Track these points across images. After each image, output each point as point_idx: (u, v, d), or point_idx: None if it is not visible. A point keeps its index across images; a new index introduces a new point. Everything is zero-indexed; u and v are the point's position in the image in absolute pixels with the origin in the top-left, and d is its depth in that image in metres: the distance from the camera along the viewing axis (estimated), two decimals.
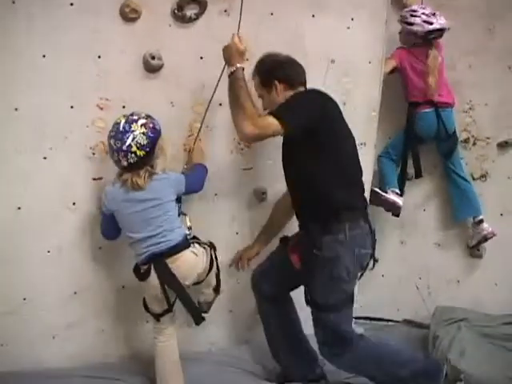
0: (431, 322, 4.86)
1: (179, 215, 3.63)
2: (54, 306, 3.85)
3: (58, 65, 3.55)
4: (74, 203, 3.75)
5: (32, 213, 3.69)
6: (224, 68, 3.52)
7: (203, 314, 3.70)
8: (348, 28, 4.19)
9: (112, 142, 3.33)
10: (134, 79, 3.73)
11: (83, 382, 3.74)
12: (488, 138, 5.16)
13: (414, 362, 3.69)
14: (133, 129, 3.31)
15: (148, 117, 3.40)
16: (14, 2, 3.40)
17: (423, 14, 4.53)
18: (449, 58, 4.75)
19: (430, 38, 4.60)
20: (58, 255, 3.79)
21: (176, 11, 3.70)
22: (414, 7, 4.58)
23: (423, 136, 4.79)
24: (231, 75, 3.38)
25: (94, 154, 3.72)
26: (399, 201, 4.85)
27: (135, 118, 3.36)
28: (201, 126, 3.78)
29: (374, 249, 3.67)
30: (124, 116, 3.37)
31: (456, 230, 5.21)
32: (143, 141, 3.33)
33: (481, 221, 5.02)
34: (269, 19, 3.96)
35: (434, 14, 4.53)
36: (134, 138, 3.31)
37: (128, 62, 3.70)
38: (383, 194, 4.79)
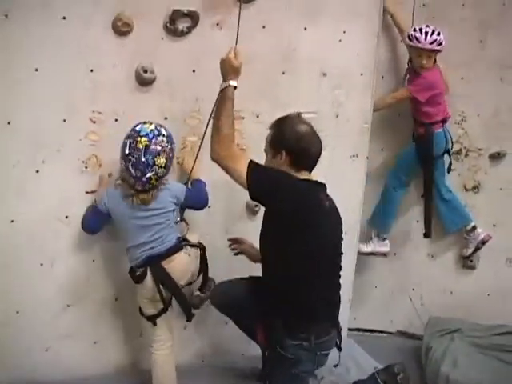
0: (424, 333, 4.89)
1: (180, 221, 3.72)
2: (47, 318, 3.84)
3: (50, 78, 3.55)
4: (66, 216, 3.75)
5: (25, 226, 3.68)
6: (221, 87, 3.43)
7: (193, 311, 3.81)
8: (340, 41, 4.21)
9: (131, 167, 3.35)
10: (127, 92, 3.73)
11: None
12: (480, 150, 5.18)
13: None
14: (156, 163, 3.35)
15: (167, 138, 3.42)
16: (6, 16, 3.39)
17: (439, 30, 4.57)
18: (442, 67, 4.76)
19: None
20: (51, 268, 3.79)
21: (168, 25, 3.70)
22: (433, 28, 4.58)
23: (437, 154, 4.81)
24: (222, 91, 3.36)
25: (86, 167, 3.72)
26: (386, 249, 5.02)
27: (158, 148, 3.35)
28: (200, 145, 3.72)
29: (340, 343, 3.62)
30: (145, 139, 3.34)
31: (448, 240, 5.23)
32: (162, 173, 3.41)
33: (474, 227, 5.04)
34: (261, 32, 3.97)
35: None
36: (155, 173, 3.37)
37: (120, 76, 3.70)
38: (368, 251, 4.94)
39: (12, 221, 3.65)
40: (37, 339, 3.86)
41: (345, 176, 4.36)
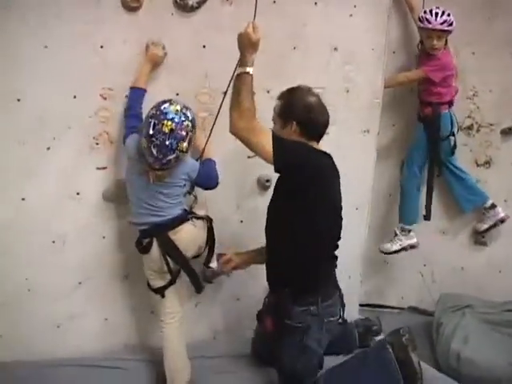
0: (435, 309, 4.89)
1: (189, 194, 3.71)
2: (58, 296, 3.86)
3: (60, 55, 3.54)
4: (78, 193, 3.76)
5: (36, 203, 3.69)
6: (239, 60, 3.35)
7: (207, 284, 3.92)
8: (350, 15, 4.17)
9: (153, 148, 3.30)
10: (137, 69, 3.69)
11: (88, 372, 3.76)
12: (492, 125, 5.16)
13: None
14: (179, 148, 3.33)
15: (192, 122, 3.40)
16: None
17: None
18: (452, 45, 4.73)
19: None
20: (62, 245, 3.80)
21: (178, 0, 3.68)
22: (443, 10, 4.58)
23: (443, 135, 4.80)
24: (239, 75, 3.30)
25: (97, 143, 3.72)
26: (414, 240, 4.99)
27: (183, 133, 3.33)
28: (213, 126, 3.70)
29: (343, 312, 3.68)
30: (171, 123, 3.29)
31: (460, 217, 5.22)
32: (183, 156, 3.40)
33: (493, 205, 5.03)
34: (271, 8, 3.93)
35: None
36: (176, 156, 3.35)
37: (131, 52, 3.68)
38: (397, 248, 4.94)
39: (23, 198, 3.66)
40: (48, 317, 3.88)
41: (356, 151, 4.34)
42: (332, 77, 4.19)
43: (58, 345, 3.92)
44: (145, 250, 3.58)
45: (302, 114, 3.43)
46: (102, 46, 3.62)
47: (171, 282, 3.63)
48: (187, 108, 3.41)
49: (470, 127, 5.11)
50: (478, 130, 5.14)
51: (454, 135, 4.82)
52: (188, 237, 3.61)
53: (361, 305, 4.72)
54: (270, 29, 3.83)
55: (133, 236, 3.68)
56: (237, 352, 4.09)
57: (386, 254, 5.02)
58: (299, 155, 3.36)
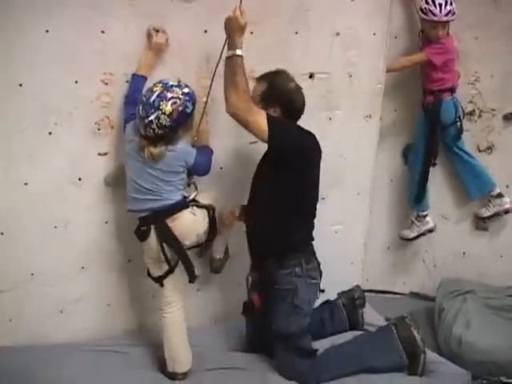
0: (437, 294, 4.90)
1: (188, 186, 3.73)
2: (60, 280, 3.86)
3: (61, 40, 3.53)
4: (79, 178, 3.75)
5: (38, 188, 3.69)
6: (226, 41, 3.47)
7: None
8: (352, 0, 4.16)
9: (140, 107, 3.36)
10: (139, 53, 3.68)
11: (90, 356, 3.75)
12: (493, 110, 5.15)
13: (378, 359, 3.76)
14: (161, 107, 3.31)
15: (184, 94, 3.39)
16: None
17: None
18: (454, 30, 4.71)
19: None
20: (64, 230, 3.80)
21: None
22: None
23: (445, 123, 4.80)
24: (230, 58, 3.42)
25: (99, 129, 3.71)
26: (431, 225, 5.04)
27: (169, 95, 3.34)
28: (204, 107, 3.75)
29: (320, 279, 3.81)
30: (161, 85, 3.37)
31: (462, 202, 5.23)
32: (165, 122, 3.34)
33: (500, 194, 5.04)
34: None
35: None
36: (157, 117, 3.31)
37: (132, 36, 3.67)
38: (414, 235, 5.00)
39: (25, 183, 3.65)
40: (50, 301, 3.88)
41: (358, 136, 4.34)
42: (334, 62, 4.18)
43: (61, 329, 3.92)
44: (142, 237, 3.58)
45: (286, 98, 3.61)
46: (103, 31, 3.60)
47: (169, 271, 3.63)
48: (187, 86, 3.46)
49: (471, 113, 5.10)
50: (479, 116, 5.14)
51: (459, 121, 4.82)
52: (186, 224, 3.59)
53: (363, 291, 4.71)
54: (271, 13, 3.83)
55: (136, 221, 3.68)
56: (238, 337, 4.09)
57: (405, 240, 5.11)
58: (293, 135, 3.57)
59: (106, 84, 3.67)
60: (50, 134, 3.62)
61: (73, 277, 3.89)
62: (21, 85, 3.52)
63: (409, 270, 5.31)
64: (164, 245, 3.53)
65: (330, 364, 3.69)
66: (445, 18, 4.50)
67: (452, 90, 4.76)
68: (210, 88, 3.68)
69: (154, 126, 3.33)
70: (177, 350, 3.70)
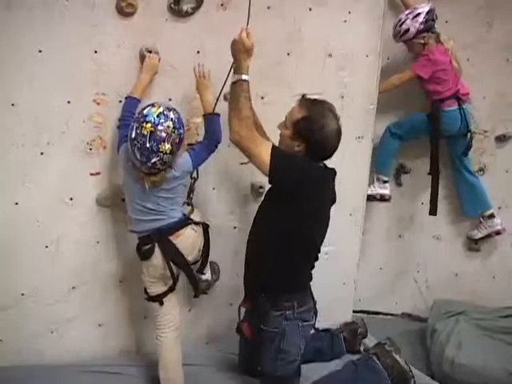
0: (429, 315, 4.91)
1: (187, 204, 3.74)
2: (52, 300, 3.85)
3: (54, 60, 3.53)
4: (71, 198, 3.74)
5: (30, 208, 3.67)
6: (232, 65, 3.40)
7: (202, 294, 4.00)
8: (345, 21, 4.17)
9: (136, 151, 3.28)
10: (131, 74, 3.69)
11: (82, 376, 3.73)
12: (486, 132, 5.19)
13: None
14: (161, 149, 3.27)
15: (174, 123, 3.33)
16: None
17: (407, 16, 4.59)
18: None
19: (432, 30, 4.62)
20: (56, 250, 3.78)
21: (172, 5, 3.67)
22: (399, 18, 4.64)
23: (447, 134, 4.81)
24: (235, 83, 3.33)
25: (90, 149, 3.71)
26: (385, 191, 4.93)
27: (163, 135, 3.26)
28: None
29: (315, 319, 3.70)
30: (150, 125, 3.25)
31: (454, 223, 5.25)
32: (168, 159, 3.33)
33: (492, 215, 5.05)
34: (266, 12, 3.93)
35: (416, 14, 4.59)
36: (160, 159, 3.29)
37: (124, 57, 3.68)
38: (368, 193, 4.81)
39: (17, 203, 3.64)
40: (42, 321, 3.86)
41: (350, 158, 4.32)
42: (326, 82, 4.19)
43: (52, 350, 3.90)
44: (146, 256, 3.56)
45: (317, 140, 3.37)
46: (96, 51, 3.61)
47: (172, 288, 3.62)
48: (170, 109, 3.38)
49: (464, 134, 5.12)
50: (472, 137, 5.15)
51: (468, 134, 4.83)
52: (190, 241, 3.60)
53: (354, 311, 4.71)
54: (264, 34, 3.83)
55: (127, 240, 3.71)
56: (230, 357, 4.07)
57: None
58: (296, 167, 3.35)
59: (98, 104, 3.67)
60: (42, 153, 3.62)
61: (64, 297, 3.87)
62: (13, 104, 3.52)
63: (401, 291, 5.31)
64: (169, 261, 3.53)
65: None
66: (399, 39, 4.64)
67: (458, 99, 4.74)
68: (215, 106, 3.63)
69: (158, 165, 3.32)
70: (173, 371, 3.69)
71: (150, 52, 3.67)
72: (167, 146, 3.28)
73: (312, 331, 3.75)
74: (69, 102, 3.62)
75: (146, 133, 3.26)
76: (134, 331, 4.14)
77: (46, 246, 3.77)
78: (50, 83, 3.56)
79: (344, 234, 4.47)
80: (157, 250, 3.52)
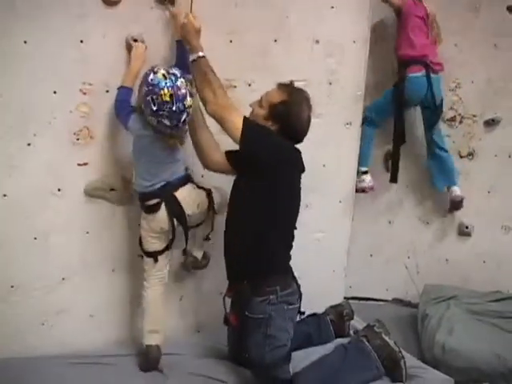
0: (420, 300, 4.92)
1: None
2: (42, 292, 3.82)
3: (39, 50, 3.51)
4: (59, 189, 3.72)
5: (18, 200, 3.65)
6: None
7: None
8: (332, 7, 4.16)
9: (164, 120, 3.36)
10: (118, 63, 3.68)
11: (74, 368, 3.70)
12: (475, 116, 5.20)
13: (357, 377, 3.73)
14: (186, 106, 3.36)
15: (183, 77, 3.41)
16: None
17: None
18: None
19: None
20: (44, 242, 3.76)
21: None
22: None
23: (411, 100, 4.80)
24: (195, 61, 3.48)
25: (78, 139, 3.69)
26: (363, 184, 4.93)
27: (183, 91, 3.35)
28: None
29: (300, 303, 3.71)
30: (169, 90, 3.32)
31: (444, 208, 5.23)
32: (191, 110, 3.45)
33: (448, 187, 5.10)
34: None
35: None
36: (188, 114, 3.40)
37: (110, 46, 3.66)
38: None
39: (4, 195, 3.62)
40: (32, 313, 3.84)
41: (339, 144, 4.33)
42: (314, 69, 4.18)
43: (43, 342, 3.87)
44: (153, 209, 3.61)
45: (292, 124, 3.53)
46: (81, 41, 3.59)
47: (168, 247, 3.71)
48: (170, 67, 3.47)
49: (452, 119, 5.15)
50: (460, 122, 5.19)
51: (429, 105, 4.82)
52: (189, 195, 3.66)
53: (345, 298, 4.72)
54: (250, 21, 3.83)
55: (117, 230, 3.69)
56: (221, 345, 4.05)
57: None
58: (268, 143, 3.47)
59: (85, 94, 3.65)
60: (29, 144, 3.60)
61: (54, 288, 3.85)
62: None
63: (392, 277, 5.32)
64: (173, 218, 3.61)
65: None
66: None
67: (427, 67, 4.71)
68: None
69: (187, 121, 3.44)
70: (158, 323, 3.76)
71: (136, 41, 3.65)
72: (189, 100, 3.38)
73: (298, 317, 3.77)
74: (55, 93, 3.59)
75: (167, 99, 3.32)
76: (126, 321, 4.12)
77: (35, 238, 3.74)
78: (35, 74, 3.53)
79: (333, 221, 4.48)
80: (163, 206, 3.59)
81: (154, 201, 3.59)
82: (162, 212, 3.59)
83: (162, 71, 3.38)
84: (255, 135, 3.43)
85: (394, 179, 4.97)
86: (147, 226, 3.67)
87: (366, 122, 4.79)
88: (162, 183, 3.57)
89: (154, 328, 3.75)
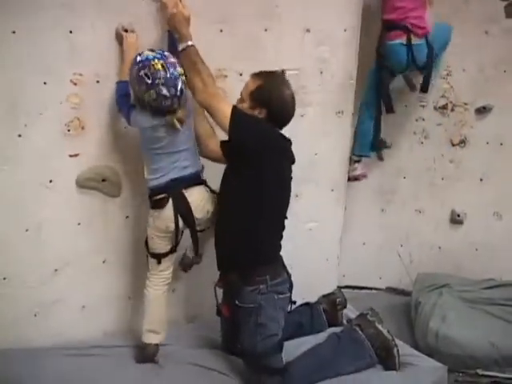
0: (413, 288, 4.92)
1: None
2: (34, 284, 3.82)
3: (29, 41, 3.49)
4: (50, 180, 3.71)
5: (9, 191, 3.64)
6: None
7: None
8: None
9: (162, 89, 3.35)
10: (108, 53, 3.67)
11: (67, 359, 3.71)
12: (466, 104, 5.19)
13: (350, 365, 3.73)
14: (180, 73, 3.39)
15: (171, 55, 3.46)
16: None
17: None
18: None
19: None
20: (36, 233, 3.75)
21: None
22: None
23: (393, 68, 4.68)
24: (185, 50, 3.49)
25: (69, 130, 3.67)
26: (362, 171, 4.87)
27: (173, 60, 3.40)
28: None
29: (291, 292, 3.70)
30: (159, 60, 3.35)
31: (436, 196, 5.24)
32: (185, 81, 3.45)
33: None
34: None
35: None
36: (182, 82, 3.40)
37: (101, 36, 3.64)
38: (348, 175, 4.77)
39: None
40: (25, 305, 3.83)
41: (331, 133, 4.34)
42: (305, 58, 4.19)
43: (36, 333, 3.87)
44: (159, 204, 3.59)
45: (276, 106, 3.52)
46: (71, 31, 3.57)
47: (173, 249, 3.70)
48: (151, 49, 3.48)
49: (444, 107, 5.14)
50: (452, 110, 5.18)
51: (419, 70, 4.67)
52: (200, 197, 3.64)
53: (339, 286, 4.72)
54: (240, 11, 3.83)
55: (109, 221, 3.68)
56: (212, 337, 4.07)
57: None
58: (256, 131, 3.48)
59: (76, 84, 3.63)
60: (20, 136, 3.58)
61: (47, 280, 3.85)
62: None
63: (385, 265, 5.33)
64: (178, 216, 3.58)
65: (300, 378, 3.58)
66: None
67: (408, 32, 4.48)
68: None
69: (184, 89, 3.43)
70: (158, 324, 3.76)
71: (127, 31, 3.64)
72: (179, 68, 3.41)
73: (290, 306, 3.77)
74: (45, 83, 3.58)
75: (159, 67, 3.35)
76: (119, 312, 4.12)
77: (27, 230, 3.73)
78: (25, 65, 3.52)
79: (326, 210, 4.49)
80: (170, 202, 3.56)
81: (161, 196, 3.58)
82: (169, 209, 3.57)
83: (147, 50, 3.43)
84: (243, 123, 3.44)
85: (374, 148, 4.95)
86: (153, 224, 3.65)
87: (364, 106, 4.79)
88: (170, 177, 3.55)
89: (154, 328, 3.74)
